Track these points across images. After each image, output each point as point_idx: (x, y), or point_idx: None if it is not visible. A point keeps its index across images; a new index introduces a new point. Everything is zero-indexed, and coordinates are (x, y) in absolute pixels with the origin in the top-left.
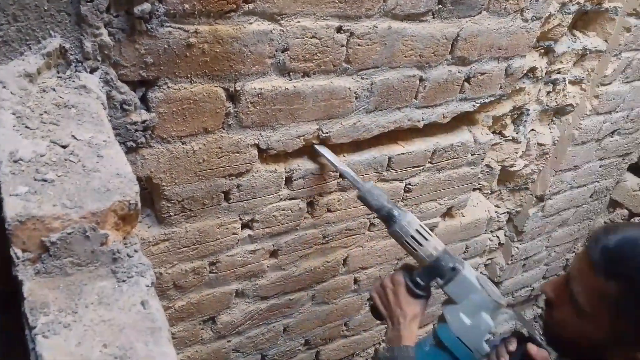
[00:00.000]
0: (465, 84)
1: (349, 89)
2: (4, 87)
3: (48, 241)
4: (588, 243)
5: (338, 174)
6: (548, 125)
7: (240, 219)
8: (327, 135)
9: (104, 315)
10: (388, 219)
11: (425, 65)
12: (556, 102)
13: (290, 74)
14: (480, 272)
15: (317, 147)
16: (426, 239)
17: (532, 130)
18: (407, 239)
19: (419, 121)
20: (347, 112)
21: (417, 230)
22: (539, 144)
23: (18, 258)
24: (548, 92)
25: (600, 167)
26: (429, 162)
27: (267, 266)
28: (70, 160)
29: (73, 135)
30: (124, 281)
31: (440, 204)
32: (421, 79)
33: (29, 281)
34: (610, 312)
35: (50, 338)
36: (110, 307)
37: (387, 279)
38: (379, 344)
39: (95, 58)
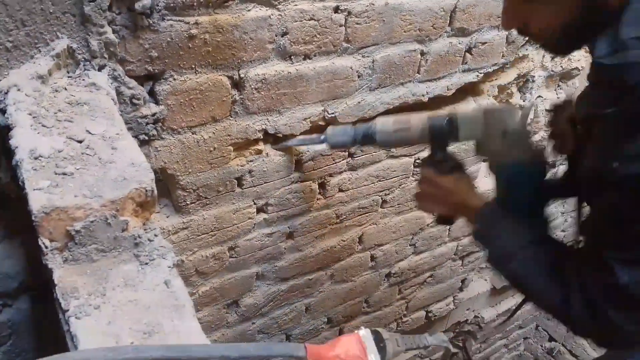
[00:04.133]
0: (467, 54)
1: (351, 68)
2: (19, 89)
3: (73, 230)
4: None
5: (347, 153)
6: (555, 90)
7: (255, 203)
8: (332, 115)
9: (130, 296)
10: (368, 140)
11: (425, 39)
12: (561, 66)
13: (292, 57)
14: None
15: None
16: (407, 126)
17: (539, 96)
18: (394, 139)
19: (423, 95)
20: (350, 92)
21: (394, 124)
22: (547, 110)
23: (46, 247)
24: (552, 57)
25: None
26: None
27: (285, 248)
28: (86, 154)
29: (87, 130)
30: (146, 264)
31: None
32: (422, 53)
33: (58, 269)
34: None
35: (83, 319)
36: (135, 288)
37: (418, 182)
38: (401, 318)
39: (102, 56)
